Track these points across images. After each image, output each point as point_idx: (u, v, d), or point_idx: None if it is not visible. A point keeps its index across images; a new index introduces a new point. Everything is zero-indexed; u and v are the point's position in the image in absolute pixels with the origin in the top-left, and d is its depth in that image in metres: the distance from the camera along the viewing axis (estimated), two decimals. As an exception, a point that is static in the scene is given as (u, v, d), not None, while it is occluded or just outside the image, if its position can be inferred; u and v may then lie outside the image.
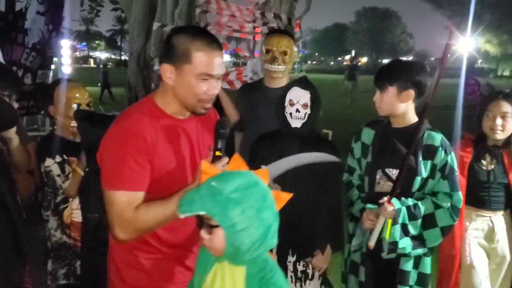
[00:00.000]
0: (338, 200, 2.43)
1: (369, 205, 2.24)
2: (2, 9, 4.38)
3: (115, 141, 1.57)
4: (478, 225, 2.56)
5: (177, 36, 1.59)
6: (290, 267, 2.41)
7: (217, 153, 1.56)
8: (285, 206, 2.30)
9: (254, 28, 4.93)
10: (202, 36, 1.60)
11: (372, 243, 2.17)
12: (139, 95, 5.82)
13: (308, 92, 2.37)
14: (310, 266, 2.43)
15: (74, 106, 2.61)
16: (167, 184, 1.61)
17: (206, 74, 1.58)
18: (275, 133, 2.47)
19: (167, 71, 1.61)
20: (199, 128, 1.76)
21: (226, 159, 1.55)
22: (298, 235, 2.36)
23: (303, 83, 2.41)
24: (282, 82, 2.97)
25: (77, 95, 2.65)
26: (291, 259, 2.41)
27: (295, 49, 3.07)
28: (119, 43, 68.17)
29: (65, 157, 2.54)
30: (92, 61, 60.50)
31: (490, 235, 2.53)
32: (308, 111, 2.36)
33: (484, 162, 2.55)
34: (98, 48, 70.38)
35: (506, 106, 2.47)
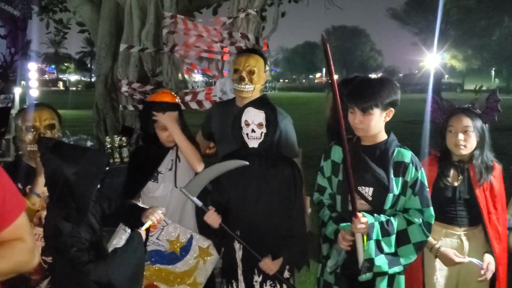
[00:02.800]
0: (302, 209, 2.47)
1: (342, 225, 2.21)
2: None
3: None
4: (448, 243, 2.54)
5: None
6: (257, 287, 2.40)
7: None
8: (248, 225, 2.37)
9: (222, 48, 4.91)
10: None
11: (360, 259, 2.12)
12: (107, 117, 5.70)
13: (263, 111, 2.39)
14: (278, 286, 2.42)
15: (29, 129, 2.34)
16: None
17: None
18: (235, 153, 2.48)
19: None
20: None
21: None
22: (262, 253, 2.37)
23: (257, 103, 2.44)
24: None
25: (28, 118, 2.38)
26: (257, 278, 2.40)
27: (267, 68, 3.06)
28: (89, 65, 67.46)
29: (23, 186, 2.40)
30: (61, 83, 59.61)
31: (460, 252, 2.50)
32: (264, 130, 2.38)
33: (449, 178, 2.54)
34: (68, 71, 69.46)
35: (466, 121, 2.48)
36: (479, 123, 2.49)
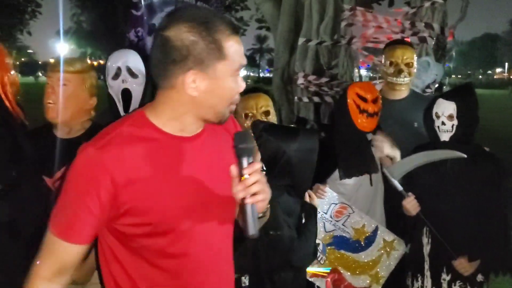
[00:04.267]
0: (504, 211, 2.27)
1: None
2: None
3: (72, 173, 1.21)
4: None
5: (185, 30, 1.15)
6: (445, 285, 2.30)
7: (242, 178, 1.17)
8: (439, 222, 2.24)
9: (403, 38, 4.73)
10: (218, 18, 1.20)
11: None
12: (282, 108, 5.95)
13: (453, 102, 2.26)
14: (469, 287, 2.29)
15: None
16: (171, 224, 1.23)
17: (241, 65, 1.23)
18: (428, 146, 2.39)
19: (191, 81, 1.18)
20: (215, 143, 1.33)
21: (255, 177, 1.17)
22: (453, 251, 2.26)
23: (448, 93, 2.38)
24: (404, 93, 2.93)
25: (246, 106, 2.42)
26: (446, 277, 2.30)
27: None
28: (258, 61, 71.52)
29: None
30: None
31: None
32: (455, 122, 2.25)
33: None
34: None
35: None
36: None
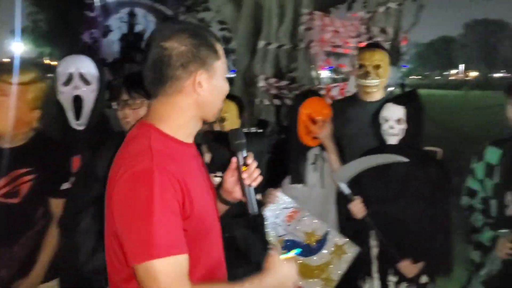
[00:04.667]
0: (447, 214, 2.32)
1: (502, 231, 2.05)
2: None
3: (136, 192, 1.17)
4: None
5: (186, 37, 1.26)
6: (392, 287, 2.35)
7: (243, 168, 1.39)
8: (385, 225, 2.29)
9: (358, 43, 4.84)
10: (203, 28, 1.38)
11: None
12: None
13: (402, 107, 2.31)
14: None
15: None
16: (205, 228, 1.33)
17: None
18: (377, 150, 2.43)
19: (198, 81, 1.28)
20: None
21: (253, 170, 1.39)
22: (398, 253, 2.31)
23: (396, 98, 2.41)
24: (376, 95, 2.93)
25: None
26: (393, 279, 2.34)
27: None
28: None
29: None
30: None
31: None
32: (404, 126, 2.30)
33: None
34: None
35: None
36: None
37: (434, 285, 2.41)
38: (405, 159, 2.24)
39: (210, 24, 10.03)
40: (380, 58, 2.88)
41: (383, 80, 2.91)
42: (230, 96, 2.46)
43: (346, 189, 2.35)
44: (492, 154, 2.19)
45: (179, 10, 5.25)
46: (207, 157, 2.02)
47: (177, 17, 5.14)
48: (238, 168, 1.40)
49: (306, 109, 2.63)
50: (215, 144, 2.00)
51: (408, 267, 2.29)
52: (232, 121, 2.58)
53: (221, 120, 2.40)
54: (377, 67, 2.86)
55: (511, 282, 2.03)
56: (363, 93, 2.96)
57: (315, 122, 2.58)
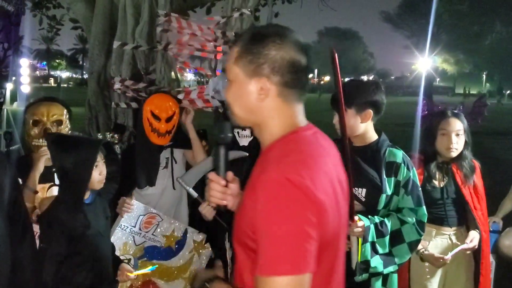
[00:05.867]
0: None
1: None
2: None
3: (284, 203, 1.11)
4: (438, 243, 2.58)
5: (272, 41, 1.29)
6: None
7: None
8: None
9: (215, 47, 4.92)
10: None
11: (354, 261, 2.12)
12: (99, 114, 5.69)
13: None
14: None
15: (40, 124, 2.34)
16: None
17: None
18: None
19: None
20: None
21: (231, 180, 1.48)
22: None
23: None
24: None
25: (35, 112, 2.37)
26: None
27: None
28: (80, 62, 67.05)
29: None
30: (52, 80, 59.21)
31: (447, 252, 2.54)
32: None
33: (435, 180, 2.58)
34: (59, 67, 69.00)
35: (458, 124, 2.52)
36: (466, 125, 2.56)
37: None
38: (244, 153, 2.33)
39: (62, 22, 9.36)
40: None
41: None
42: (53, 99, 2.38)
43: (193, 193, 2.37)
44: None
45: (22, 6, 4.76)
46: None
47: (20, 14, 4.66)
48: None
49: (149, 106, 2.63)
50: None
51: None
52: (66, 127, 2.46)
53: (58, 122, 2.34)
54: None
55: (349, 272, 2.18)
56: None
57: (159, 119, 2.57)
